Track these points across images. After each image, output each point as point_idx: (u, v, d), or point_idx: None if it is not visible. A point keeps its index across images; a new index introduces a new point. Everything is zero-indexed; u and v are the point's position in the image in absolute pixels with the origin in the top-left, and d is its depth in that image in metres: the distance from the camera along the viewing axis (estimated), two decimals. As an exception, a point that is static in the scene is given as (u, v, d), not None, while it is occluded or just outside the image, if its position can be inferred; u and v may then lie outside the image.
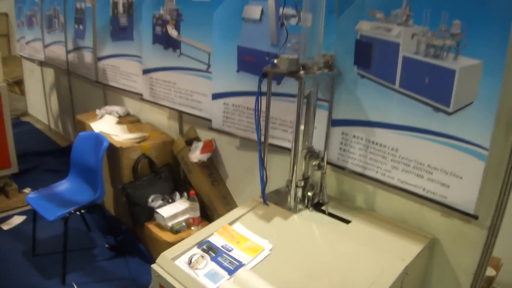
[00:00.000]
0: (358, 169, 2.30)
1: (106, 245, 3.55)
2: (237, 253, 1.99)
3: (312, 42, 2.08)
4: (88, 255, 3.44)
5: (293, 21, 2.40)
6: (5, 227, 3.89)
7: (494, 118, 1.73)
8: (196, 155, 3.32)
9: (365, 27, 2.09)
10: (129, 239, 3.49)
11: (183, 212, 3.21)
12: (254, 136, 2.75)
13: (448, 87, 1.85)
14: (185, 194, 3.33)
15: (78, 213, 3.64)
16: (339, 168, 2.40)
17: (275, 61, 2.08)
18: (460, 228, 2.01)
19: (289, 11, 2.39)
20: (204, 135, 3.45)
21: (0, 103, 4.17)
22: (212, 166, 3.42)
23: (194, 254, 1.99)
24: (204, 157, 3.31)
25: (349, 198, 2.45)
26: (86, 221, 3.82)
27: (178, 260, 1.97)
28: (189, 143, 3.49)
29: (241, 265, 1.89)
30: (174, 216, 3.18)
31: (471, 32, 1.74)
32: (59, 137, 6.23)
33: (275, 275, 1.81)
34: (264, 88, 2.21)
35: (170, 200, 3.35)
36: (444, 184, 1.96)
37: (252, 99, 2.31)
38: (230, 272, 1.84)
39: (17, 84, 8.04)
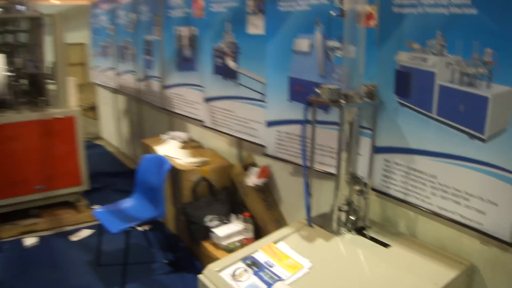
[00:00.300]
0: (400, 195, 2.41)
1: (165, 261, 3.81)
2: (278, 269, 2.15)
3: (354, 73, 2.24)
4: (147, 269, 3.72)
5: (339, 53, 2.56)
6: (74, 238, 4.31)
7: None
8: (253, 179, 3.52)
9: (403, 58, 2.23)
10: (187, 256, 3.73)
11: (238, 232, 3.41)
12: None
13: (482, 114, 1.94)
14: (241, 216, 3.52)
15: (141, 229, 3.97)
16: (382, 194, 2.51)
17: (318, 90, 2.26)
18: (498, 256, 2.06)
19: (335, 43, 2.55)
20: (261, 161, 3.64)
21: (74, 126, 4.60)
22: (267, 191, 3.60)
23: (238, 268, 2.18)
24: (260, 182, 3.50)
25: (392, 224, 2.55)
26: (148, 238, 4.12)
27: (223, 272, 2.17)
28: (246, 168, 3.70)
29: (279, 280, 2.06)
30: (229, 236, 3.38)
31: (502, 60, 1.83)
32: (129, 159, 6.68)
33: (311, 290, 1.96)
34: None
35: (226, 221, 3.56)
36: (480, 211, 2.03)
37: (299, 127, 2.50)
38: (269, 286, 2.01)
39: (92, 109, 8.68)
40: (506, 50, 1.81)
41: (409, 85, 2.23)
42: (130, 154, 6.73)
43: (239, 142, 3.88)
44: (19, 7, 4.87)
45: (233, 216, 3.62)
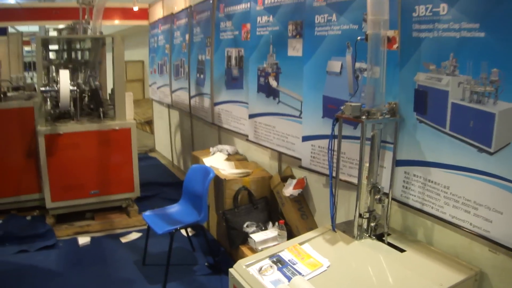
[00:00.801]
0: (417, 205, 2.62)
1: (206, 264, 4.13)
2: (300, 267, 2.42)
3: (376, 92, 2.50)
4: (189, 270, 4.05)
5: (366, 74, 2.82)
6: (124, 240, 4.74)
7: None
8: (289, 190, 3.79)
9: (421, 78, 2.47)
10: (226, 260, 4.03)
11: (273, 238, 3.68)
12: (343, 177, 3.10)
13: (489, 129, 2.15)
14: (277, 223, 3.80)
15: (185, 234, 4.31)
16: (402, 203, 2.72)
17: (342, 108, 2.54)
18: (506, 263, 2.22)
19: (362, 65, 2.82)
20: (298, 173, 3.91)
21: (129, 137, 5.05)
22: (303, 201, 3.86)
23: (265, 264, 2.47)
24: (296, 192, 3.77)
25: (411, 232, 2.75)
26: (192, 242, 4.45)
27: (251, 267, 2.46)
28: (284, 179, 3.98)
29: (300, 275, 2.32)
30: (264, 241, 3.66)
31: (507, 79, 2.04)
32: (180, 171, 7.11)
33: (326, 285, 2.21)
34: (345, 132, 2.72)
35: (263, 228, 3.84)
36: (487, 219, 2.22)
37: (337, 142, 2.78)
38: (290, 280, 2.27)
39: (148, 123, 9.25)
40: (511, 69, 2.02)
41: (426, 103, 2.47)
42: (181, 166, 7.15)
43: (279, 155, 4.16)
44: (83, 27, 5.43)
45: (270, 224, 3.89)
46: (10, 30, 9.76)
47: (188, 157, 6.72)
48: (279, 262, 2.50)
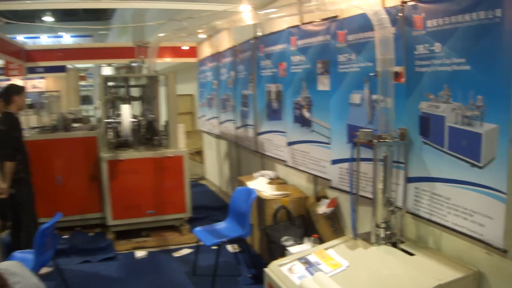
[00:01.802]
0: (427, 216, 3.04)
1: (249, 275, 4.62)
2: (323, 267, 2.90)
3: (386, 119, 2.98)
4: (234, 281, 4.57)
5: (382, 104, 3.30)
6: (176, 255, 5.33)
7: (507, 168, 2.41)
8: (322, 209, 4.26)
9: (424, 106, 2.94)
10: (266, 272, 4.51)
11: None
12: (364, 193, 3.51)
13: (478, 147, 2.57)
14: (311, 238, 4.26)
15: (231, 250, 4.83)
16: (414, 215, 3.15)
17: (357, 133, 3.04)
18: (499, 263, 2.60)
19: (378, 97, 3.30)
20: (331, 194, 4.37)
21: (181, 163, 5.68)
22: (335, 218, 4.31)
23: (294, 264, 2.96)
24: (328, 210, 4.23)
25: (423, 241, 3.15)
26: (237, 257, 4.97)
27: (282, 267, 2.96)
28: (318, 199, 4.46)
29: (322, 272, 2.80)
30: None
31: (489, 104, 2.48)
32: (228, 196, 7.64)
33: (343, 281, 2.67)
34: (366, 155, 3.20)
35: (299, 242, 4.30)
36: (481, 224, 2.63)
37: (361, 164, 3.28)
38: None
39: (198, 153, 9.91)
40: (491, 95, 2.46)
41: (429, 127, 2.92)
42: (229, 191, 7.71)
43: (314, 178, 4.65)
44: (139, 65, 6.16)
45: (305, 239, 4.35)
46: (68, 66, 10.81)
47: (235, 183, 7.25)
48: (306, 263, 2.98)
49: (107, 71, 15.11)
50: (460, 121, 2.68)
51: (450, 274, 2.66)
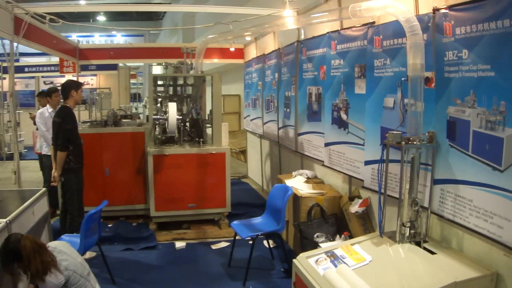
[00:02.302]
0: (450, 217, 3.19)
1: (282, 269, 4.86)
2: (348, 260, 3.10)
3: (415, 122, 3.16)
4: (267, 274, 4.82)
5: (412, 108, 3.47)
6: (214, 247, 5.63)
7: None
8: (355, 208, 4.44)
9: (451, 111, 3.09)
10: (298, 266, 4.73)
11: (338, 248, 4.33)
12: (393, 194, 3.72)
13: (499, 151, 2.72)
14: (342, 235, 4.44)
15: (267, 245, 5.08)
16: (439, 216, 3.30)
17: (387, 135, 3.23)
18: (516, 265, 2.75)
19: (410, 101, 3.47)
20: (365, 194, 4.54)
21: (224, 160, 5.98)
22: (367, 218, 4.48)
23: (321, 257, 3.17)
24: (360, 210, 4.41)
25: (447, 241, 3.30)
26: (272, 252, 5.22)
27: (310, 259, 3.18)
28: (352, 199, 4.64)
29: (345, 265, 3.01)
30: (330, 250, 4.32)
31: (511, 109, 2.62)
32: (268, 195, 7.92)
33: (364, 274, 2.87)
34: (396, 157, 3.37)
35: (331, 239, 4.50)
36: (500, 226, 2.76)
37: (391, 165, 3.46)
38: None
39: (242, 153, 10.23)
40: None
41: (455, 131, 3.08)
42: (269, 190, 7.96)
43: (349, 178, 4.84)
44: (187, 66, 6.50)
45: (337, 236, 4.55)
46: (119, 64, 11.38)
47: (275, 182, 7.52)
48: (332, 256, 3.19)
49: (157, 70, 15.71)
50: (484, 126, 2.83)
51: (468, 273, 2.81)
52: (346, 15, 3.53)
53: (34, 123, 7.31)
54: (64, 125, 4.97)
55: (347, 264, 3.02)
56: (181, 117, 6.10)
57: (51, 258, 3.08)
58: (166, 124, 5.80)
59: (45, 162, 6.89)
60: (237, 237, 4.88)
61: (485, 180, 2.85)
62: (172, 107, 5.66)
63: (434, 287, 2.64)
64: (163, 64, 6.78)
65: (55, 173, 5.01)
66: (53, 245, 3.29)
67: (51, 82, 13.45)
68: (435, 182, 3.31)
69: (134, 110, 14.06)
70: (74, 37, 16.66)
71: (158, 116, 5.97)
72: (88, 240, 4.17)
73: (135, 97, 16.66)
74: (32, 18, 5.35)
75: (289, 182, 5.39)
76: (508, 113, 2.65)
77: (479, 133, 2.87)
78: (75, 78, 8.34)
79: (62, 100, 5.38)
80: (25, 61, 13.93)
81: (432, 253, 3.11)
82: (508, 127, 2.66)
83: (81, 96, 5.23)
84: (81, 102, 5.94)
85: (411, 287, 2.71)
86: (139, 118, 7.55)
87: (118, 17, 22.51)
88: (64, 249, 3.30)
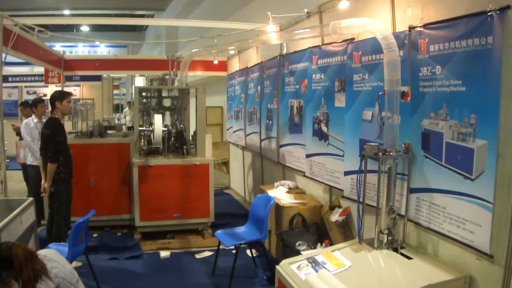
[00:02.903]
0: (425, 224, 3.35)
1: (265, 277, 4.97)
2: (328, 266, 3.23)
3: (391, 134, 3.33)
4: (250, 281, 4.93)
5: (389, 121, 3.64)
6: (198, 256, 5.72)
7: (494, 181, 2.72)
8: (335, 217, 4.59)
9: (426, 123, 3.27)
10: (280, 274, 4.86)
11: (319, 256, 4.47)
12: (371, 202, 3.84)
13: (470, 161, 2.89)
14: (323, 243, 4.59)
15: (250, 254, 5.20)
16: (415, 223, 3.47)
17: (365, 147, 3.39)
18: (487, 268, 2.89)
19: (387, 114, 3.64)
20: (345, 203, 4.69)
21: (208, 171, 6.11)
22: (347, 226, 4.63)
23: (302, 263, 3.30)
24: (340, 219, 4.56)
25: (423, 247, 3.45)
26: (254, 261, 5.33)
27: (292, 265, 3.30)
28: (332, 208, 4.79)
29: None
30: (312, 258, 4.46)
31: (481, 122, 2.80)
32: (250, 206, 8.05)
33: (344, 278, 3.01)
34: (374, 167, 3.50)
35: (312, 247, 4.64)
36: (471, 231, 2.93)
37: (369, 175, 3.60)
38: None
39: (225, 164, 10.34)
40: (483, 115, 2.79)
41: (429, 143, 3.25)
42: (252, 200, 8.08)
43: (330, 189, 4.99)
44: (172, 78, 6.62)
45: (318, 244, 4.69)
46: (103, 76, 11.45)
47: (258, 192, 7.64)
48: (313, 262, 3.32)
49: (139, 80, 15.79)
50: (456, 137, 3.01)
51: (442, 276, 2.96)
52: (327, 32, 3.70)
53: (17, 134, 7.35)
54: (54, 137, 5.04)
55: (328, 270, 3.16)
56: (166, 128, 6.21)
57: (42, 266, 3.14)
58: (152, 135, 5.90)
59: (30, 172, 6.91)
60: (220, 247, 4.98)
61: (457, 188, 3.02)
62: (157, 118, 5.78)
63: (410, 288, 2.79)
64: (148, 81, 6.89)
65: (45, 184, 5.07)
66: (43, 253, 3.36)
67: (34, 92, 13.43)
68: (411, 191, 3.47)
69: (116, 121, 14.09)
70: (57, 47, 16.63)
71: (144, 128, 6.07)
72: (76, 249, 4.24)
73: (118, 108, 16.69)
74: (21, 29, 5.42)
75: (271, 193, 5.52)
76: (478, 125, 2.83)
77: (452, 144, 3.04)
78: (59, 89, 8.38)
79: (47, 111, 5.43)
80: (7, 70, 13.89)
81: (409, 258, 3.26)
82: (478, 138, 2.83)
83: (67, 107, 5.26)
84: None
85: (387, 289, 2.86)
86: (121, 129, 7.64)
87: (101, 28, 22.57)
88: (54, 257, 3.36)
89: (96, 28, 21.97)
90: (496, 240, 2.77)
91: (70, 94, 5.41)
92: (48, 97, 5.43)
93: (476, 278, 2.97)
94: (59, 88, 10.52)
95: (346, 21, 3.50)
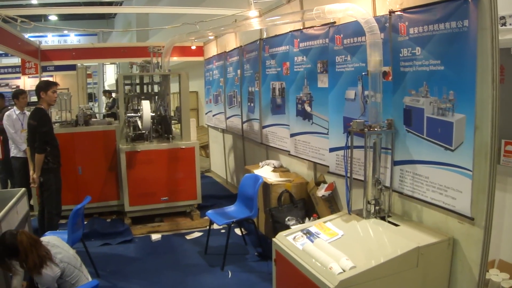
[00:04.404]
0: (409, 193, 3.61)
1: (256, 253, 5.21)
2: (322, 236, 3.46)
3: (375, 111, 3.56)
4: (242, 258, 5.17)
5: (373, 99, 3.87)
6: (188, 237, 5.93)
7: (472, 150, 2.99)
8: (321, 192, 4.83)
9: (407, 100, 3.52)
10: (271, 249, 5.08)
11: (308, 230, 4.72)
12: (357, 176, 4.06)
13: (450, 133, 3.14)
14: (312, 217, 4.83)
15: (239, 233, 5.42)
16: (400, 193, 3.73)
17: (351, 124, 3.62)
18: (468, 230, 3.17)
19: (370, 93, 3.86)
20: (329, 179, 4.94)
21: (193, 154, 6.29)
22: (333, 200, 4.88)
23: (297, 235, 3.53)
24: (327, 193, 4.80)
25: (407, 215, 3.72)
26: (244, 238, 5.56)
27: (288, 237, 3.53)
28: (318, 184, 5.04)
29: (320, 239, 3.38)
30: (301, 231, 4.70)
31: (459, 98, 3.05)
32: (233, 187, 8.27)
33: (339, 246, 3.25)
34: (359, 143, 3.76)
35: (301, 222, 4.87)
36: (453, 197, 3.20)
37: (355, 151, 3.82)
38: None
39: (203, 148, 10.49)
40: (460, 91, 3.03)
41: (410, 118, 3.50)
42: (234, 182, 8.31)
43: (314, 166, 5.23)
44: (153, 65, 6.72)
45: (306, 219, 4.93)
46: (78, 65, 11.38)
47: (240, 174, 7.84)
48: (308, 233, 3.55)
49: (110, 68, 15.73)
50: (436, 112, 3.26)
51: (428, 239, 3.23)
52: (311, 17, 3.88)
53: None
54: (40, 128, 5.08)
55: (322, 239, 3.39)
56: (153, 114, 6.34)
57: (46, 252, 3.28)
58: (139, 121, 6.02)
59: (13, 164, 6.95)
60: (210, 226, 5.23)
61: (438, 159, 3.28)
62: (145, 104, 5.89)
63: (400, 251, 3.04)
64: (129, 64, 6.97)
65: (34, 175, 5.14)
66: (46, 239, 3.50)
67: (7, 84, 13.24)
68: (395, 163, 3.72)
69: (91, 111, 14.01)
70: (26, 37, 16.38)
71: (132, 114, 6.19)
72: (74, 235, 4.38)
73: (91, 97, 16.58)
74: (3, 22, 5.45)
75: (257, 172, 5.73)
76: (457, 101, 3.08)
77: (432, 119, 3.29)
78: (32, 80, 8.33)
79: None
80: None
81: (396, 225, 3.52)
82: (456, 112, 3.09)
83: (52, 97, 5.28)
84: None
85: (380, 253, 3.10)
86: (96, 117, 7.67)
87: (70, 16, 22.21)
88: (57, 243, 3.51)
89: (65, 17, 21.62)
90: (476, 204, 3.04)
91: (55, 84, 5.44)
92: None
93: (459, 239, 3.24)
94: (32, 80, 10.47)
95: (329, 6, 3.68)
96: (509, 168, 3.77)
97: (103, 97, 16.96)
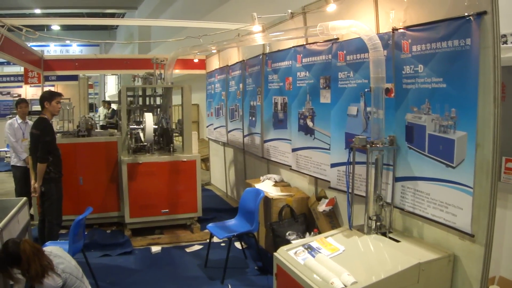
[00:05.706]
0: (410, 209, 3.65)
1: (256, 267, 5.22)
2: (323, 251, 3.49)
3: (377, 128, 3.61)
4: (242, 272, 5.18)
5: (375, 115, 3.92)
6: (188, 250, 5.95)
7: (474, 167, 3.03)
8: (322, 207, 4.87)
9: (409, 117, 3.57)
10: (272, 264, 5.08)
11: (308, 244, 4.74)
12: (358, 192, 4.13)
13: (451, 150, 3.19)
14: (312, 232, 4.86)
15: (239, 246, 5.44)
16: (401, 209, 3.77)
17: (353, 140, 3.67)
18: (469, 247, 3.21)
19: (373, 109, 3.92)
20: (331, 194, 4.97)
21: (195, 167, 6.32)
22: (333, 216, 4.91)
23: (299, 249, 3.56)
24: (327, 209, 4.83)
25: (408, 231, 3.75)
26: (245, 252, 5.58)
27: (289, 251, 3.56)
28: (319, 199, 5.07)
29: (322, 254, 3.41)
30: (302, 246, 4.72)
31: (461, 115, 3.10)
32: (233, 201, 8.29)
33: (340, 261, 3.28)
34: (361, 159, 3.79)
35: (301, 236, 4.90)
36: (454, 214, 3.24)
37: (357, 166, 3.86)
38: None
39: (204, 161, 10.53)
40: (462, 108, 3.09)
41: (412, 135, 3.55)
42: (235, 196, 8.33)
43: (315, 180, 5.27)
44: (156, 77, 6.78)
45: (307, 234, 4.96)
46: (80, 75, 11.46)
47: (241, 188, 7.88)
48: (309, 248, 3.58)
49: (111, 79, 15.81)
50: (437, 130, 3.31)
51: (429, 255, 3.26)
52: (314, 33, 3.94)
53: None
54: (43, 138, 5.12)
55: (324, 254, 3.42)
56: (156, 126, 6.39)
57: (48, 262, 3.30)
58: (141, 133, 6.07)
59: (14, 173, 6.99)
60: (210, 239, 5.24)
61: (440, 175, 3.32)
62: (148, 117, 5.95)
63: (401, 267, 3.07)
64: (132, 77, 7.03)
65: (35, 184, 5.18)
66: (48, 249, 3.52)
67: (8, 93, 13.33)
68: (397, 179, 3.77)
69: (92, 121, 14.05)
70: (29, 47, 16.51)
71: (134, 126, 6.24)
72: (75, 245, 4.40)
73: (92, 108, 16.65)
74: (8, 31, 5.51)
75: (258, 186, 5.76)
76: (458, 119, 3.13)
77: (434, 136, 3.34)
78: (35, 89, 8.39)
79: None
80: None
81: (397, 241, 3.55)
82: (458, 130, 3.14)
83: (56, 107, 5.33)
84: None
85: (381, 268, 3.13)
86: (96, 128, 7.72)
87: (72, 27, 22.37)
88: (59, 253, 3.53)
89: (67, 27, 21.78)
90: (476, 221, 3.07)
91: (59, 94, 5.50)
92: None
93: (460, 256, 3.27)
94: (34, 89, 10.55)
95: (333, 23, 3.75)
96: (509, 185, 3.82)
97: (100, 108, 17.06)
